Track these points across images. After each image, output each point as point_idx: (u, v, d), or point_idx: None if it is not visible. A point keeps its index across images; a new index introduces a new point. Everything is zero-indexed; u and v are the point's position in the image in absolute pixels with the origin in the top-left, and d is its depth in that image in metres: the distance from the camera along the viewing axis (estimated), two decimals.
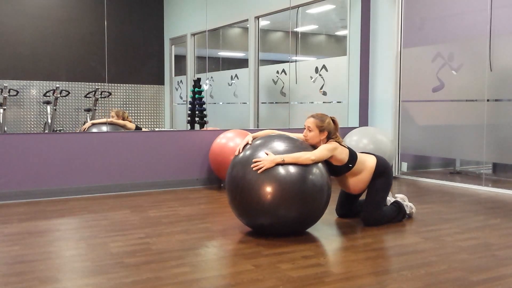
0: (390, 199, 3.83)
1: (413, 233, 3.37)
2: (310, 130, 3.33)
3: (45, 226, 3.53)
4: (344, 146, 3.38)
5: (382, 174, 3.51)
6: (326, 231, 3.47)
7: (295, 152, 3.12)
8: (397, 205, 3.70)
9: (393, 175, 6.03)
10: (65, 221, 3.71)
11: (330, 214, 3.87)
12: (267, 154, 3.10)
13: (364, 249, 3.01)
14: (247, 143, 3.30)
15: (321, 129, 3.31)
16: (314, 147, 3.31)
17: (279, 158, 3.06)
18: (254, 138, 3.34)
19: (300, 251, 2.94)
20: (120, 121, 6.06)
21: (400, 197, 3.83)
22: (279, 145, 3.18)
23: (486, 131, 5.21)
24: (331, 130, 3.34)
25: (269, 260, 2.75)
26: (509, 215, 3.96)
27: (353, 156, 3.41)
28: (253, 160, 3.10)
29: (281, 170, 3.05)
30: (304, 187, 3.06)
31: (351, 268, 2.63)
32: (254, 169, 3.06)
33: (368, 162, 3.49)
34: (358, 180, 3.49)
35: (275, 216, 3.08)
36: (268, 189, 3.02)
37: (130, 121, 6.26)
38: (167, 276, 2.48)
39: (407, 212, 3.75)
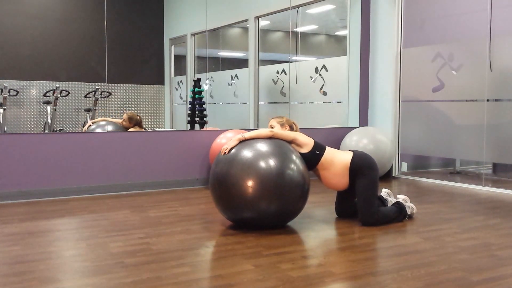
0: (391, 199, 3.83)
1: (413, 233, 3.37)
2: (272, 127, 3.72)
3: (45, 226, 3.53)
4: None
5: (363, 171, 3.52)
6: (326, 231, 3.47)
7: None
8: (399, 206, 3.70)
9: (393, 175, 6.05)
10: (65, 221, 3.71)
11: (330, 214, 3.88)
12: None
13: (364, 249, 3.02)
14: (239, 140, 3.40)
15: (281, 124, 3.75)
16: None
17: (240, 135, 3.40)
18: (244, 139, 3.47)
19: (300, 251, 2.94)
20: (130, 128, 5.77)
21: (402, 198, 3.83)
22: (263, 146, 3.34)
23: (486, 131, 5.21)
24: (292, 126, 3.77)
25: (269, 260, 2.75)
26: (509, 215, 3.96)
27: (319, 144, 3.59)
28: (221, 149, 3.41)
29: (262, 164, 3.22)
30: (281, 181, 3.22)
31: (351, 268, 2.63)
32: (222, 154, 3.36)
33: (340, 157, 3.57)
34: (333, 174, 3.55)
35: (256, 210, 3.24)
36: (249, 183, 3.19)
37: (142, 128, 5.91)
38: (167, 276, 2.48)
39: (408, 213, 3.75)
